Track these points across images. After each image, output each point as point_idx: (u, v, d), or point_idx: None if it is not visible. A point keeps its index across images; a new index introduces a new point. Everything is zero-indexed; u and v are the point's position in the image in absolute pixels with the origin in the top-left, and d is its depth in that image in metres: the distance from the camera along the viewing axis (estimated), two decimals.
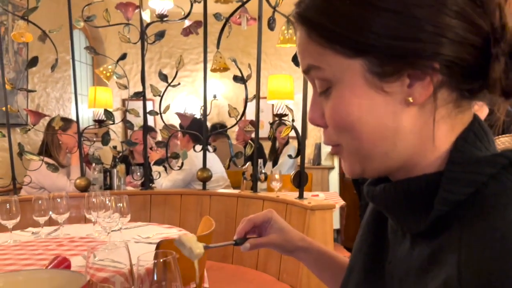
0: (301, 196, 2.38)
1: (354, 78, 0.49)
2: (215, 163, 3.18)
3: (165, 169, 3.12)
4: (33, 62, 2.74)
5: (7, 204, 1.85)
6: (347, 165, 0.55)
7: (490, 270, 0.39)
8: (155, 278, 0.75)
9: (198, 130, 2.83)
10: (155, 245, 1.61)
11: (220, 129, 3.53)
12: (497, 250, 0.39)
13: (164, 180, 3.08)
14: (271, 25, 2.51)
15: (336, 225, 3.70)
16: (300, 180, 2.40)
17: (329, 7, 0.49)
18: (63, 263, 0.90)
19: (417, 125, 0.50)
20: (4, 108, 2.76)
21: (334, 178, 5.29)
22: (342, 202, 3.05)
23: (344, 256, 0.86)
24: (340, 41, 0.49)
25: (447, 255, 0.43)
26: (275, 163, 4.36)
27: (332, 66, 0.50)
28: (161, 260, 0.75)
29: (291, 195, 2.47)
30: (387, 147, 0.51)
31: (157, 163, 2.87)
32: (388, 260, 0.56)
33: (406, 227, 0.52)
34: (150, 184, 2.93)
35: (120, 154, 2.90)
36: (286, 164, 4.25)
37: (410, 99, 0.48)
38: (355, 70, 0.49)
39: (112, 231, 1.82)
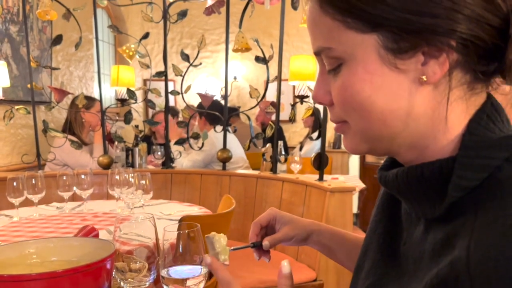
0: (321, 178, 2.38)
1: (367, 54, 0.48)
2: (234, 144, 3.19)
3: (184, 149, 3.14)
4: (58, 40, 2.77)
5: (33, 179, 1.90)
6: (352, 143, 0.54)
7: (498, 256, 0.39)
8: (180, 249, 0.76)
9: (217, 112, 2.84)
10: (176, 222, 1.64)
11: (240, 111, 3.53)
12: (508, 237, 0.39)
13: (184, 160, 3.11)
14: (295, 4, 2.48)
15: (355, 208, 3.69)
16: (320, 162, 2.39)
17: None
18: (91, 232, 0.92)
19: (430, 106, 0.49)
20: (29, 85, 2.80)
21: (354, 162, 5.26)
22: (362, 185, 3.03)
23: (356, 234, 0.87)
24: (353, 14, 0.48)
25: (460, 239, 0.43)
26: (301, 148, 4.37)
27: (343, 43, 0.49)
28: (186, 231, 0.76)
29: (311, 177, 2.46)
30: (397, 127, 0.50)
31: (178, 143, 2.90)
32: (403, 241, 0.56)
33: (420, 213, 0.52)
34: (171, 164, 2.97)
35: (142, 134, 2.93)
36: (313, 150, 4.24)
37: (424, 78, 0.47)
38: (368, 45, 0.48)
39: (134, 207, 1.85)
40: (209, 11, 2.72)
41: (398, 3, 0.45)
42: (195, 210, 2.02)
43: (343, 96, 0.51)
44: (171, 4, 2.77)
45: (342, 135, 0.56)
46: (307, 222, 0.86)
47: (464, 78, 0.48)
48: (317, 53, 0.53)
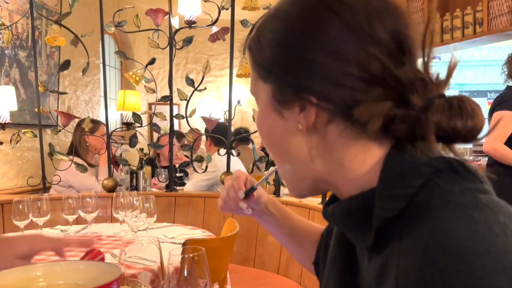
0: (323, 202, 2.38)
1: (264, 100, 0.56)
2: (238, 167, 3.21)
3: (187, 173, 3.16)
4: (65, 65, 2.83)
5: (39, 202, 1.92)
6: (288, 188, 0.61)
7: (418, 280, 0.40)
8: (185, 273, 0.78)
9: (222, 134, 2.87)
10: (179, 245, 1.64)
11: (244, 134, 3.56)
12: (422, 260, 0.40)
13: (187, 183, 3.13)
14: None
15: None
16: None
17: (259, 36, 0.56)
18: (98, 256, 0.93)
19: (319, 149, 0.53)
20: (36, 109, 2.85)
21: None
22: None
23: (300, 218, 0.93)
24: (255, 66, 0.57)
25: (390, 267, 0.45)
26: None
27: (256, 86, 0.58)
28: (191, 255, 0.77)
29: (314, 201, 2.47)
30: (298, 167, 0.56)
31: (182, 165, 2.92)
32: (360, 273, 0.57)
33: (357, 243, 0.55)
34: (175, 187, 2.98)
35: (147, 157, 2.96)
36: None
37: (299, 126, 0.53)
38: (266, 93, 0.56)
39: (138, 230, 1.86)
40: (214, 37, 2.78)
41: (274, 62, 0.54)
42: (199, 233, 2.02)
43: (260, 133, 0.59)
44: (177, 31, 2.84)
45: None
46: (266, 198, 0.91)
47: (347, 127, 0.51)
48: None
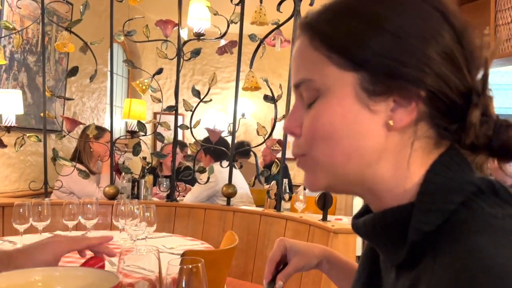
0: (324, 219, 2.38)
1: (344, 90, 0.51)
2: (239, 180, 3.21)
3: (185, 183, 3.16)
4: (74, 71, 2.85)
5: (39, 206, 1.92)
6: (311, 177, 0.55)
7: None
8: (183, 284, 0.77)
9: (223, 148, 2.88)
10: (178, 256, 1.64)
11: (247, 147, 3.57)
12: (460, 279, 0.40)
13: (187, 193, 3.13)
14: None
15: (358, 251, 3.64)
16: (324, 202, 2.40)
17: (336, 18, 0.52)
18: (98, 263, 0.93)
19: (393, 151, 0.51)
20: (42, 114, 2.87)
21: (358, 203, 5.23)
22: None
23: None
24: (339, 51, 0.51)
25: (422, 284, 0.44)
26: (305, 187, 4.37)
27: (324, 76, 0.52)
28: (190, 266, 0.77)
29: (315, 217, 2.46)
30: (360, 166, 0.52)
31: (185, 175, 2.92)
32: None
33: (388, 259, 0.54)
34: (175, 197, 2.98)
35: (149, 166, 2.97)
36: None
37: (391, 122, 0.50)
38: (347, 82, 0.51)
39: (137, 239, 1.86)
40: (222, 50, 2.81)
41: (380, 49, 0.49)
42: (198, 244, 2.02)
43: (314, 126, 0.53)
44: (185, 42, 2.86)
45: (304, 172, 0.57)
46: (317, 251, 0.87)
47: (428, 132, 0.51)
48: (297, 85, 0.55)
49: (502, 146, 0.50)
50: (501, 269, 0.39)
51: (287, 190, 2.96)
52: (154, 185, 3.28)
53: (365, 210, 0.59)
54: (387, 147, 0.51)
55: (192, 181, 3.27)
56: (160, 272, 0.83)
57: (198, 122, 2.86)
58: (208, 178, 2.95)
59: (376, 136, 0.51)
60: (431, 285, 0.43)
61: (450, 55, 0.50)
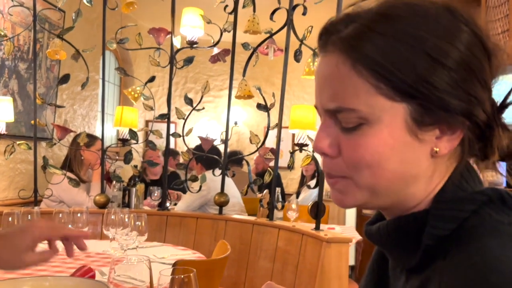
0: (317, 228, 2.37)
1: (394, 120, 0.51)
2: (232, 189, 3.19)
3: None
4: (65, 79, 2.83)
5: (29, 215, 1.89)
6: (347, 197, 0.55)
7: None
8: None
9: (213, 158, 2.87)
10: (169, 266, 1.62)
11: (239, 155, 3.56)
12: (469, 277, 0.44)
13: (178, 202, 3.10)
14: (297, 57, 2.56)
15: (351, 261, 3.64)
16: (317, 211, 2.39)
17: (388, 45, 0.50)
18: (88, 273, 0.92)
19: (431, 172, 0.54)
20: (32, 122, 2.84)
21: (351, 212, 5.23)
22: (358, 237, 3.01)
23: None
24: (389, 81, 0.49)
25: (431, 283, 0.47)
26: (298, 195, 4.37)
27: (371, 106, 0.50)
28: (181, 277, 0.76)
29: (308, 226, 2.45)
30: (400, 187, 0.54)
31: (177, 184, 2.90)
32: None
33: (400, 263, 0.56)
34: (167, 206, 2.96)
35: (140, 174, 2.94)
36: (310, 198, 4.23)
37: (436, 149, 0.52)
38: (397, 112, 0.50)
39: (128, 248, 1.83)
40: (215, 59, 2.81)
41: (438, 83, 0.49)
42: (189, 254, 2.00)
43: (360, 153, 0.52)
44: (178, 50, 2.86)
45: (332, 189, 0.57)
46: None
47: (457, 151, 0.54)
48: (335, 112, 0.53)
49: None
50: (508, 267, 0.43)
51: (280, 199, 2.95)
52: (145, 198, 3.25)
53: (378, 217, 0.61)
54: (427, 171, 0.53)
55: (184, 189, 3.25)
56: (151, 282, 0.82)
57: (190, 130, 2.84)
58: (200, 186, 2.93)
59: (422, 164, 0.53)
60: (443, 282, 0.46)
61: (487, 82, 0.53)
